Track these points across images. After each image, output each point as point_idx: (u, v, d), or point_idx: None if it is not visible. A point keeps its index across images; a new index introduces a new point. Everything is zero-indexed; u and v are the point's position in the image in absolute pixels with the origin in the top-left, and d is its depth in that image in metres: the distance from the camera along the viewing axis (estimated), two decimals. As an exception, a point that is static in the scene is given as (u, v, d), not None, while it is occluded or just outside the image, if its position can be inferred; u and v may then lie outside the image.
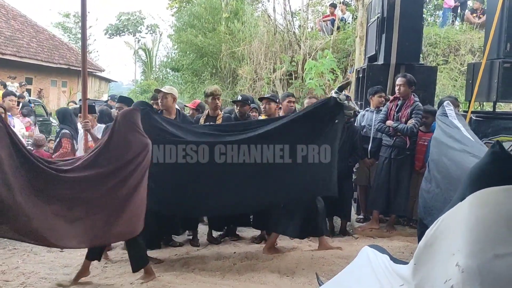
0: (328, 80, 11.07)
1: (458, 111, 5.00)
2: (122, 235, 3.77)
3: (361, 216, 6.05)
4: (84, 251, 4.06)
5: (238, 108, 5.38)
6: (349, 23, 13.20)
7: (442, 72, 10.68)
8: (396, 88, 5.38)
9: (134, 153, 3.73)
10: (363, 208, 6.06)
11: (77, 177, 3.54)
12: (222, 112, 5.42)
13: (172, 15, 19.48)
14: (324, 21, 13.64)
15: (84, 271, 3.95)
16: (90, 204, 3.56)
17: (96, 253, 3.96)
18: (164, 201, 4.31)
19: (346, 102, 4.30)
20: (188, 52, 15.47)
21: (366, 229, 5.59)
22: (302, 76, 11.90)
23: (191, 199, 4.42)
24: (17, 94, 11.73)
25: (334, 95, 4.31)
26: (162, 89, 4.90)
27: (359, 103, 7.01)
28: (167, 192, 4.32)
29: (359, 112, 5.85)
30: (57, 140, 6.24)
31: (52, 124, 13.47)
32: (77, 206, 3.50)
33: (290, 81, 12.70)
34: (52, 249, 4.95)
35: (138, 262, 3.93)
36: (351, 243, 5.22)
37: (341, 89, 4.33)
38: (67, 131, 6.12)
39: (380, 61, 6.41)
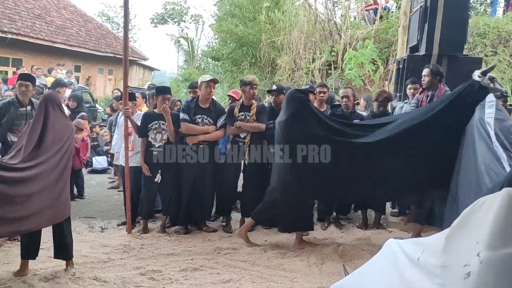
0: (368, 71, 10.89)
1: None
2: (54, 218, 3.64)
3: (396, 210, 5.97)
4: (122, 233, 4.26)
5: (273, 97, 5.43)
6: (392, 12, 12.86)
7: (489, 63, 10.25)
8: (422, 79, 5.27)
9: (65, 136, 3.69)
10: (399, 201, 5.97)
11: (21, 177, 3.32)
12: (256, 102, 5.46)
13: (214, 5, 19.63)
14: (366, 10, 13.36)
15: (22, 269, 3.74)
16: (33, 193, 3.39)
17: (31, 251, 3.75)
18: (322, 189, 4.42)
19: (491, 85, 3.95)
20: (228, 42, 15.58)
21: (401, 223, 5.52)
22: (342, 67, 11.75)
23: (343, 185, 4.39)
24: (66, 81, 12.27)
25: (477, 79, 3.98)
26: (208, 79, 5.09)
27: (398, 94, 6.88)
28: (325, 180, 4.34)
29: (506, 93, 5.51)
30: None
31: (98, 110, 14.01)
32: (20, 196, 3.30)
33: (329, 71, 12.57)
34: (94, 229, 5.24)
35: (60, 248, 3.83)
36: (384, 236, 5.18)
37: (484, 73, 3.99)
38: (84, 114, 6.70)
39: (422, 51, 6.24)
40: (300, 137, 4.29)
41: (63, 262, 3.94)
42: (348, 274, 2.97)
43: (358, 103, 6.63)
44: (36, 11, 18.10)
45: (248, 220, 4.92)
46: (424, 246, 2.02)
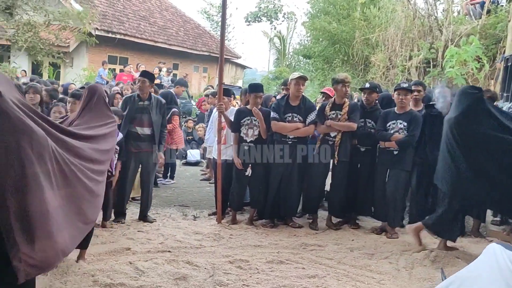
0: (472, 69, 10.16)
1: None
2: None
3: (497, 218, 5.54)
4: (212, 222, 4.43)
5: (365, 96, 5.32)
6: (502, 5, 11.85)
7: None
8: None
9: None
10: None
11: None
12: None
13: (308, 2, 19.60)
14: (472, 4, 12.45)
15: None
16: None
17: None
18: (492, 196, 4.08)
19: None
20: (320, 39, 15.49)
21: (503, 233, 5.11)
22: (442, 64, 11.10)
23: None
24: (164, 79, 13.09)
25: None
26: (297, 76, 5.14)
27: (505, 94, 6.37)
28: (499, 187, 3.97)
29: None
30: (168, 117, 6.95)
31: (193, 106, 14.72)
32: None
33: (427, 69, 11.94)
34: (187, 217, 5.55)
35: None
36: (482, 246, 4.83)
37: None
38: (175, 109, 7.12)
39: (534, 48, 5.71)
40: (475, 138, 3.94)
41: (162, 246, 4.25)
42: (446, 279, 2.84)
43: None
44: (142, 13, 19.48)
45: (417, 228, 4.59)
46: None
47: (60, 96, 6.44)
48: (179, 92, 8.51)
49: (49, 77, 13.85)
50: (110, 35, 15.87)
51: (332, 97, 5.46)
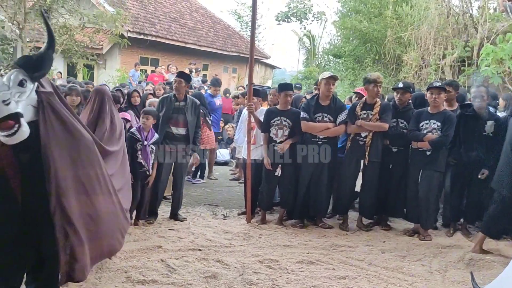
0: (508, 68, 9.82)
1: None
2: None
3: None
4: (241, 222, 4.44)
5: (398, 95, 5.23)
6: (541, 1, 11.41)
7: None
8: None
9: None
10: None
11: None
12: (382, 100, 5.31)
13: (338, 1, 19.41)
14: (509, 0, 12.05)
15: None
16: None
17: None
18: None
19: None
20: (351, 38, 15.30)
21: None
22: (477, 63, 10.78)
23: None
24: (194, 79, 13.21)
25: None
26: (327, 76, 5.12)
27: (544, 94, 6.13)
28: None
29: None
30: None
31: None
32: None
33: (462, 68, 11.62)
34: (217, 216, 5.60)
35: None
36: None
37: None
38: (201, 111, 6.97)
39: None
40: None
41: (193, 245, 4.30)
42: (475, 283, 2.76)
43: (494, 105, 6.05)
44: (172, 15, 19.75)
45: (480, 236, 4.55)
46: None
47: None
48: (215, 93, 8.48)
49: (83, 78, 14.24)
50: (142, 36, 16.16)
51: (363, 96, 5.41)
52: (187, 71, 13.62)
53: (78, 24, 13.10)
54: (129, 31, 15.06)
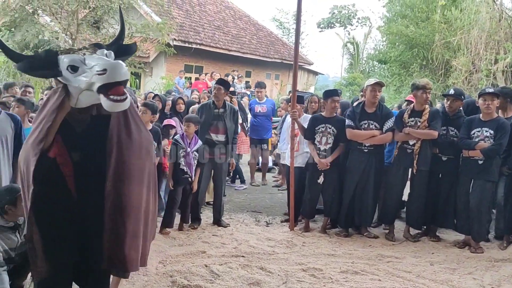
0: None
1: None
2: None
3: None
4: (284, 229, 4.42)
5: (448, 102, 5.04)
6: None
7: None
8: None
9: None
10: None
11: None
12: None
13: (383, 6, 19.10)
14: None
15: None
16: None
17: None
18: None
19: None
20: (397, 44, 15.00)
21: None
22: (532, 68, 10.29)
23: None
24: (237, 86, 13.32)
25: None
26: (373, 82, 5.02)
27: None
28: None
29: None
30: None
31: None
32: None
33: (515, 73, 11.13)
34: (260, 223, 5.59)
35: None
36: None
37: None
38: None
39: None
40: None
41: (236, 251, 4.33)
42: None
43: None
44: (216, 23, 20.09)
45: None
46: None
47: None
48: (261, 97, 8.33)
49: (130, 86, 14.71)
50: (186, 45, 16.51)
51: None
52: (229, 78, 13.82)
53: (126, 34, 13.58)
54: (175, 39, 15.43)
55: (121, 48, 2.33)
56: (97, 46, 2.19)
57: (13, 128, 3.84)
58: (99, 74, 1.94)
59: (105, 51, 2.14)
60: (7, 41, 14.12)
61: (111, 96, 1.96)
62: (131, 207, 2.24)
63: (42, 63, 2.10)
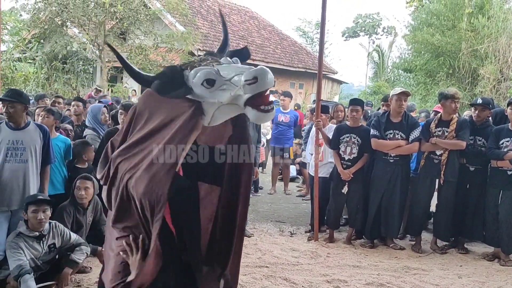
0: None
1: None
2: None
3: None
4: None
5: (476, 112, 4.95)
6: None
7: None
8: None
9: None
10: None
11: None
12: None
13: (409, 15, 18.93)
14: None
15: None
16: None
17: None
18: None
19: None
20: (422, 52, 14.82)
21: None
22: None
23: None
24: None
25: None
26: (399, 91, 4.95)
27: None
28: None
29: None
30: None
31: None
32: None
33: (546, 81, 10.85)
34: (284, 233, 5.58)
35: None
36: None
37: None
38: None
39: None
40: None
41: (260, 261, 4.32)
42: None
43: None
44: (240, 33, 20.29)
45: None
46: None
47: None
48: (286, 106, 8.30)
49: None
50: (211, 55, 16.73)
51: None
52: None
53: (152, 44, 13.85)
54: (199, 49, 15.64)
55: (235, 54, 2.00)
56: (210, 55, 1.96)
57: (41, 138, 3.95)
58: (248, 84, 1.69)
59: (229, 58, 1.90)
60: (36, 52, 14.63)
61: (262, 107, 1.73)
62: (240, 228, 2.12)
63: (171, 82, 1.84)
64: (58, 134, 4.64)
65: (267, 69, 1.71)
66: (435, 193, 5.07)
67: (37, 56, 14.54)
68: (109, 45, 2.23)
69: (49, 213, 3.55)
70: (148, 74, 1.93)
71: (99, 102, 6.66)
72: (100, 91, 10.49)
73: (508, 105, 4.72)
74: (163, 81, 1.84)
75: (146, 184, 1.80)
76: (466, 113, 6.29)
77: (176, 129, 1.84)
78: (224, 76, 1.77)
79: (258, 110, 1.73)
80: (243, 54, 2.01)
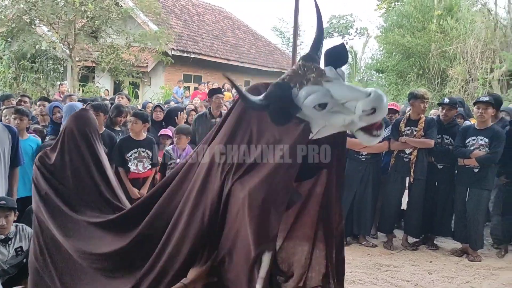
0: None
1: None
2: None
3: None
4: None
5: (444, 111, 5.07)
6: None
7: None
8: None
9: None
10: None
11: None
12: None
13: (380, 16, 19.26)
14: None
15: None
16: None
17: None
18: None
19: None
20: (393, 53, 15.08)
21: None
22: (528, 76, 10.38)
23: None
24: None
25: None
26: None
27: None
28: None
29: None
30: None
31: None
32: None
33: (510, 82, 11.21)
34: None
35: None
36: None
37: None
38: None
39: None
40: None
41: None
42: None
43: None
44: (215, 33, 20.20)
45: None
46: None
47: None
48: None
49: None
50: (185, 54, 16.58)
51: (397, 112, 5.39)
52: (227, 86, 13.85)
53: (124, 44, 13.65)
54: (173, 49, 15.51)
55: (332, 54, 1.84)
56: (309, 60, 1.84)
57: (10, 139, 3.83)
58: (367, 115, 1.61)
59: (333, 69, 1.78)
60: (3, 51, 14.20)
61: (374, 132, 1.67)
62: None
63: (282, 103, 1.73)
64: (29, 135, 4.51)
65: (383, 95, 1.63)
66: (406, 191, 5.18)
67: (4, 55, 14.11)
68: (228, 78, 2.02)
69: (12, 218, 3.43)
70: (257, 97, 1.81)
71: (80, 101, 6.44)
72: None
73: (474, 104, 4.86)
74: (274, 105, 1.74)
75: (258, 196, 1.74)
76: (432, 112, 6.45)
77: (287, 150, 1.77)
78: (336, 98, 1.69)
79: (371, 135, 1.68)
80: (341, 58, 1.85)
